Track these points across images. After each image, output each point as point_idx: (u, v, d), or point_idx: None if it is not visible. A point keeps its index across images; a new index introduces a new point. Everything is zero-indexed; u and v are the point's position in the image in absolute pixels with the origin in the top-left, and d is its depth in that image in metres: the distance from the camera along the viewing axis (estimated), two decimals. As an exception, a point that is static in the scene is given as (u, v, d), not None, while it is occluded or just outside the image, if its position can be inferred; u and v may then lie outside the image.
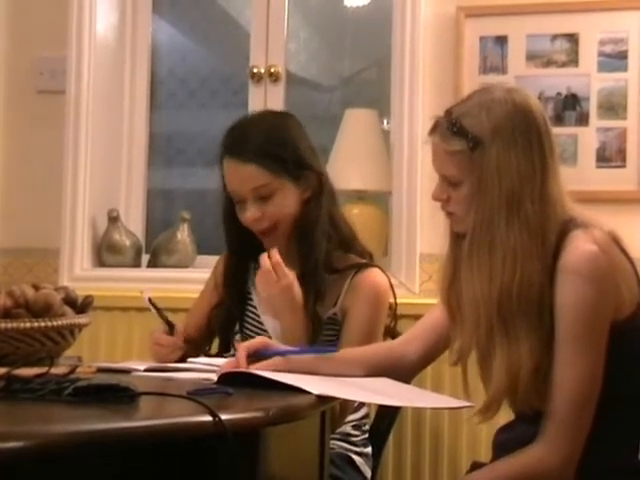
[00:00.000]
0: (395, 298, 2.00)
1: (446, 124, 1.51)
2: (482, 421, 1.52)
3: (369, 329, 1.92)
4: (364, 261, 1.99)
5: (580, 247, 1.45)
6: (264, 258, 1.83)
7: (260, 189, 1.92)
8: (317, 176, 1.97)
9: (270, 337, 1.83)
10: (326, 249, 1.95)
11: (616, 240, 1.52)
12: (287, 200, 1.94)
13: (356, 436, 2.06)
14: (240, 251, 2.04)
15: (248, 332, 2.02)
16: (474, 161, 1.49)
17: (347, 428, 2.03)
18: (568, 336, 1.44)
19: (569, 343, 1.44)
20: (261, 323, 2.02)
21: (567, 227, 1.49)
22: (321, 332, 1.92)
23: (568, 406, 1.43)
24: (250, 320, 2.04)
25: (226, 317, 2.05)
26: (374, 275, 1.94)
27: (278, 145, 1.94)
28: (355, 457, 2.04)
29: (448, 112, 1.53)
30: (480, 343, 1.52)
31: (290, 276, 1.83)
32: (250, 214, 1.93)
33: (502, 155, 1.47)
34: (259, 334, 1.96)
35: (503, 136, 1.48)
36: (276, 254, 1.84)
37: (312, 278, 1.91)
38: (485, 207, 1.49)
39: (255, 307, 2.04)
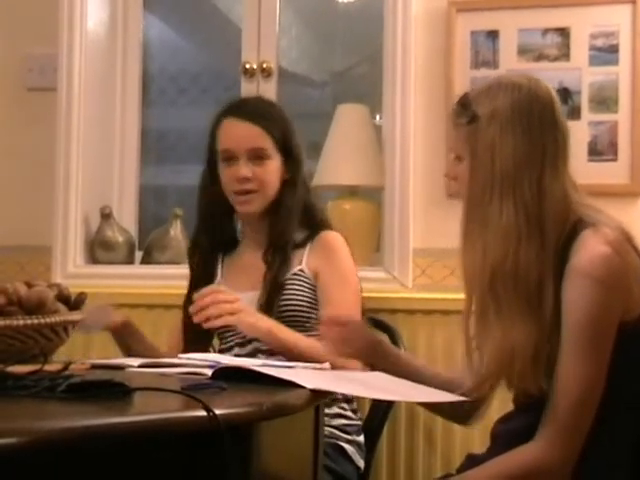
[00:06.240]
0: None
1: (460, 100, 1.56)
2: (474, 397, 1.54)
3: (344, 275, 2.07)
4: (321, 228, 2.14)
5: (592, 249, 1.43)
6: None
7: (257, 150, 2.08)
8: (298, 165, 2.13)
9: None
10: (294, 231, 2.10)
11: (627, 237, 1.49)
12: (274, 171, 2.10)
13: (348, 417, 2.07)
14: (212, 232, 2.15)
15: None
16: (471, 135, 1.51)
17: (338, 405, 2.06)
18: (574, 337, 1.43)
19: (575, 344, 1.43)
20: None
21: (576, 228, 1.47)
22: (280, 294, 2.02)
23: (569, 407, 1.43)
24: None
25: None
26: (331, 233, 2.13)
27: (281, 120, 2.12)
28: (346, 446, 2.05)
29: (468, 92, 1.58)
30: (475, 315, 1.53)
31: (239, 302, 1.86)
32: (243, 171, 2.07)
33: (498, 134, 1.49)
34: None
35: (502, 117, 1.49)
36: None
37: (279, 253, 2.07)
38: (478, 182, 1.51)
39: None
